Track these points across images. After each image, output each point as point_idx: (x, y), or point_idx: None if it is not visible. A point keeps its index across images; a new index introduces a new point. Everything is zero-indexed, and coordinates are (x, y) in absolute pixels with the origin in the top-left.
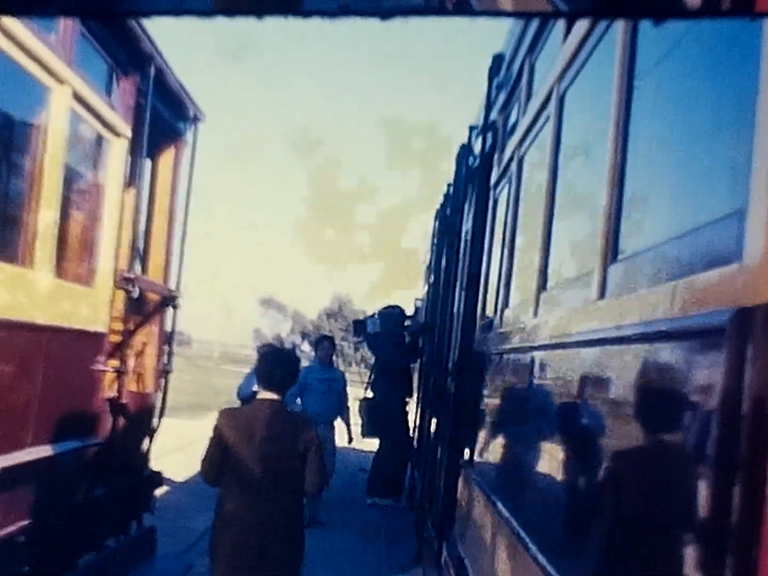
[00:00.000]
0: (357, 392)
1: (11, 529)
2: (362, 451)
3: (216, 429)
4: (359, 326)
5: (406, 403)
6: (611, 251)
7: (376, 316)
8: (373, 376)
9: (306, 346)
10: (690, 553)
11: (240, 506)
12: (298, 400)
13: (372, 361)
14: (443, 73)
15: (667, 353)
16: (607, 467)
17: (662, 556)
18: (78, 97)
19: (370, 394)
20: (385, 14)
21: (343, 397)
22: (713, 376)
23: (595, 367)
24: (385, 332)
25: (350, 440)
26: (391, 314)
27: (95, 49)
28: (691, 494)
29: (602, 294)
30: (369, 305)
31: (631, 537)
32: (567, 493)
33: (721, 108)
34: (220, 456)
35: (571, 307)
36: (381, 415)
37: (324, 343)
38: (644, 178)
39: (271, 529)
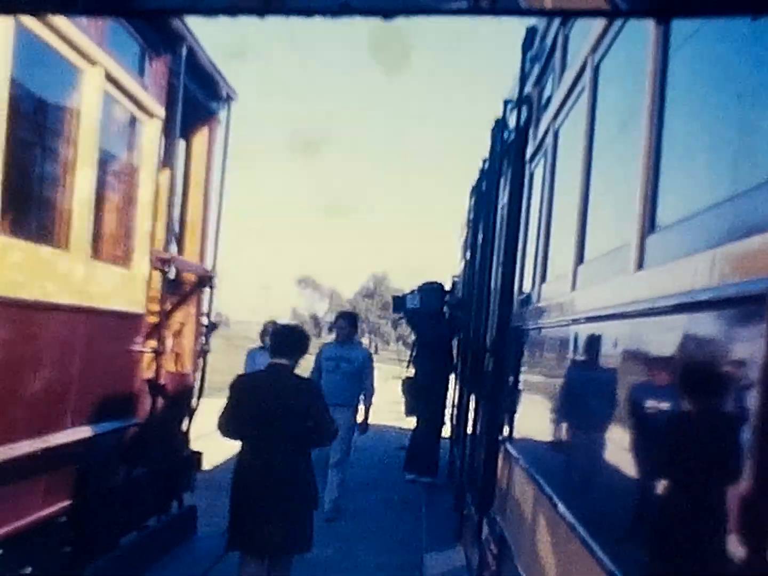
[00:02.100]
0: (395, 370)
1: (53, 509)
2: (401, 429)
3: (231, 389)
4: (399, 302)
5: (447, 380)
6: (649, 222)
7: (415, 292)
8: (414, 354)
9: None
10: (732, 523)
11: (253, 456)
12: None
13: (411, 338)
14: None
15: (707, 322)
16: (646, 439)
17: (703, 530)
18: (110, 78)
19: (411, 373)
20: (388, 13)
21: (362, 377)
22: (753, 344)
23: (633, 338)
24: (425, 308)
25: (363, 428)
26: (431, 290)
27: (126, 30)
28: (733, 461)
29: (640, 265)
30: (406, 283)
31: (672, 508)
32: (606, 466)
33: (758, 74)
34: (233, 412)
35: (609, 280)
36: (421, 394)
37: (339, 321)
38: (681, 147)
39: (280, 477)
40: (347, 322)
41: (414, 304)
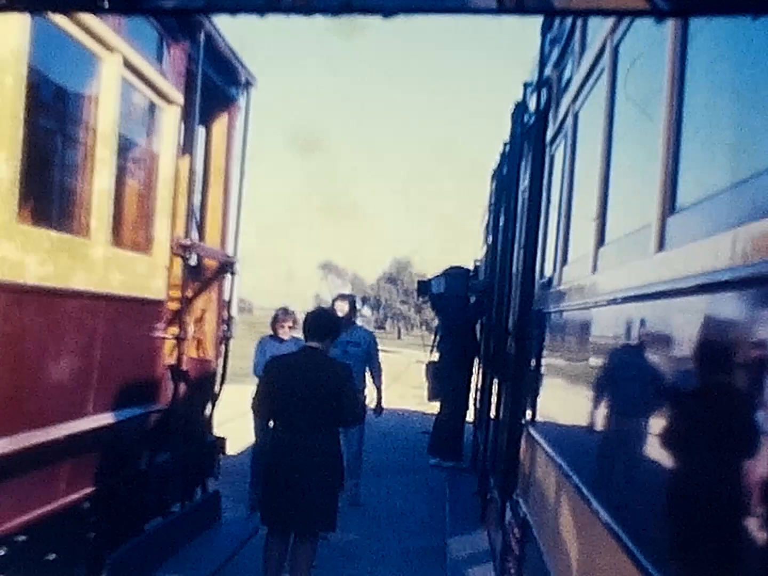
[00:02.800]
0: (418, 355)
1: (77, 496)
2: (425, 413)
3: (265, 371)
4: (424, 287)
5: (471, 364)
6: (669, 203)
7: (441, 276)
8: (438, 338)
9: (366, 311)
10: (759, 506)
11: (285, 436)
12: None
13: (435, 323)
14: None
15: (727, 303)
16: (669, 421)
17: (727, 513)
18: (129, 65)
19: (435, 357)
20: (388, 11)
21: (369, 360)
22: None
23: (654, 320)
24: (450, 293)
25: (378, 411)
26: (456, 274)
27: (144, 17)
28: (757, 440)
29: (661, 246)
30: (429, 268)
31: (696, 491)
32: (629, 448)
33: None
34: (266, 393)
35: (629, 261)
36: (445, 378)
37: (337, 303)
38: (701, 128)
39: (311, 457)
40: (347, 305)
41: (439, 289)
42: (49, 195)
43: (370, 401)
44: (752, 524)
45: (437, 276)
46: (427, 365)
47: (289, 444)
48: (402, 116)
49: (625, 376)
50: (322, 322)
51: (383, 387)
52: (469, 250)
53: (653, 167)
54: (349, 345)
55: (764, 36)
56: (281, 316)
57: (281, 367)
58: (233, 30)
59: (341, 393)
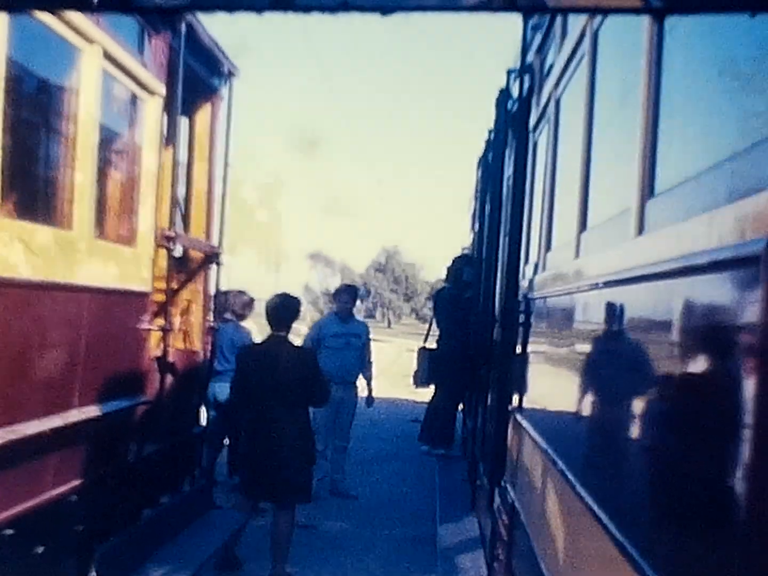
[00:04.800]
0: (409, 343)
1: (64, 488)
2: (415, 402)
3: (237, 362)
4: (456, 273)
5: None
6: (648, 187)
7: (468, 265)
8: (438, 325)
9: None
10: (740, 491)
11: (258, 420)
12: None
13: (423, 311)
14: None
15: (706, 285)
16: (652, 405)
17: (710, 498)
18: (109, 57)
19: (433, 345)
20: (386, 10)
21: (366, 352)
22: (750, 306)
23: (634, 304)
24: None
25: (370, 401)
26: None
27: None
28: (730, 421)
29: (641, 230)
30: (418, 256)
31: (679, 475)
32: (613, 434)
33: (754, 37)
34: (242, 382)
35: (610, 246)
36: (442, 365)
37: (343, 296)
38: (679, 112)
39: (283, 437)
40: (350, 296)
41: (468, 277)
42: (31, 187)
43: (361, 391)
44: (736, 510)
45: (467, 263)
46: (419, 350)
47: (265, 428)
48: (388, 105)
49: (609, 361)
50: (285, 311)
51: (372, 377)
52: (457, 238)
53: (632, 152)
54: (352, 337)
55: (741, 23)
56: (231, 300)
57: (252, 357)
58: (225, 29)
59: (311, 377)
